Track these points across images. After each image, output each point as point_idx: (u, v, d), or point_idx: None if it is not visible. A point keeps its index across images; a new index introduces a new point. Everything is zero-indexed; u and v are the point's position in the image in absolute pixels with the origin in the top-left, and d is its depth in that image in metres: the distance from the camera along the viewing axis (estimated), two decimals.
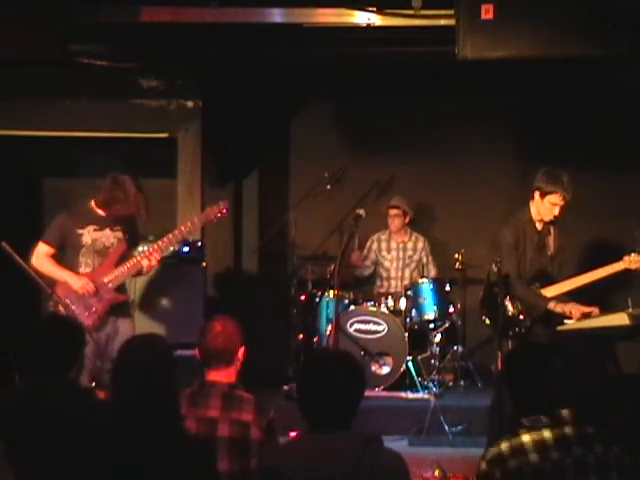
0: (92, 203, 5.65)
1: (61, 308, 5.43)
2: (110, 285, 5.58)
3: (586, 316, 5.60)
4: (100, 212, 5.62)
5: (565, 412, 3.07)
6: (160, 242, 5.68)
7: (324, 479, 2.94)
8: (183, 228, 5.78)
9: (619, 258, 5.66)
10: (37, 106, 7.65)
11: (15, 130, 7.74)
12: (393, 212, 7.95)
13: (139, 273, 5.77)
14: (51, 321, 4.16)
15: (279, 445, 3.56)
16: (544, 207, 5.72)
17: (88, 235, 5.59)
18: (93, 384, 5.13)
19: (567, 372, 3.17)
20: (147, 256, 5.63)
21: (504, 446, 3.02)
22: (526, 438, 3.01)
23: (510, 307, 5.61)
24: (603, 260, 5.80)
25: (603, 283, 5.75)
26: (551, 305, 5.63)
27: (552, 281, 5.75)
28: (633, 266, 5.62)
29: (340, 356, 3.27)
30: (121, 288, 5.72)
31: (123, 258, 5.66)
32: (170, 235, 5.71)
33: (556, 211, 5.70)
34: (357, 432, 3.03)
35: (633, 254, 5.63)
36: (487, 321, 5.84)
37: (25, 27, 5.89)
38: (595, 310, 5.64)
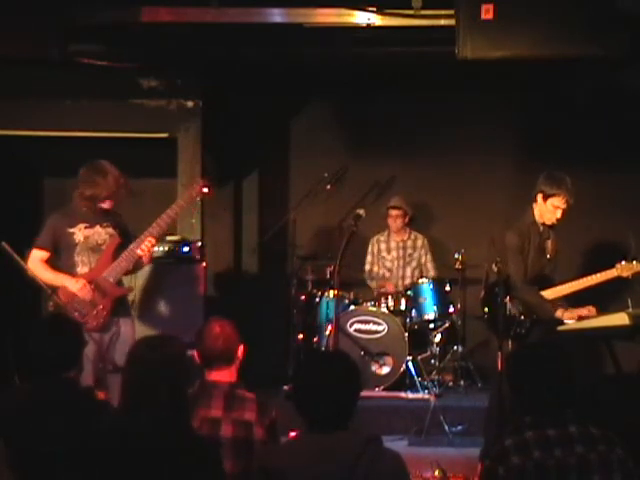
0: (77, 200, 5.61)
1: (65, 304, 5.42)
2: (111, 279, 5.57)
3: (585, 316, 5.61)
4: (85, 208, 5.57)
5: (569, 412, 3.08)
6: (150, 229, 5.65)
7: (323, 479, 2.93)
8: (170, 212, 5.75)
9: (612, 265, 5.67)
10: (37, 106, 7.64)
11: (15, 130, 7.74)
12: (395, 212, 7.94)
13: (139, 265, 5.74)
14: (51, 321, 4.15)
15: (277, 445, 3.55)
16: (547, 210, 5.72)
17: (80, 233, 5.55)
18: (94, 384, 5.13)
19: (568, 372, 3.17)
20: (139, 244, 5.59)
21: (508, 443, 3.03)
22: (530, 435, 3.03)
23: (510, 307, 5.60)
24: (604, 262, 5.79)
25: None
26: (558, 314, 5.60)
27: (550, 284, 5.75)
28: (625, 274, 5.62)
29: (334, 355, 3.26)
30: (120, 283, 5.69)
31: (118, 252, 5.61)
32: (159, 220, 5.66)
33: (559, 214, 5.71)
34: (357, 432, 3.03)
35: (624, 262, 5.63)
36: (486, 316, 5.83)
37: (25, 27, 5.90)
38: (592, 309, 5.64)
